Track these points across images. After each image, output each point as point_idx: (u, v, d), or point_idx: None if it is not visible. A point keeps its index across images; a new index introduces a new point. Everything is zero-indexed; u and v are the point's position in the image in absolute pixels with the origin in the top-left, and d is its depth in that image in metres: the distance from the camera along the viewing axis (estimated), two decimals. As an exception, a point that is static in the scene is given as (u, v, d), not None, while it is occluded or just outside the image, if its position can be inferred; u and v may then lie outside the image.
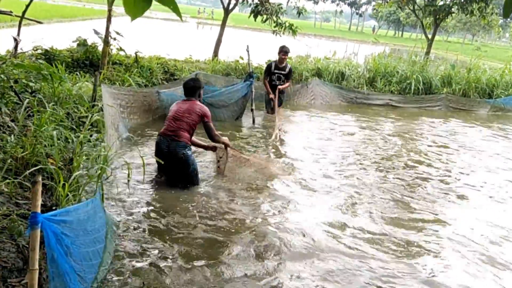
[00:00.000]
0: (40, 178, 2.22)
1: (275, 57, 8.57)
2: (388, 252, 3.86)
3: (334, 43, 41.20)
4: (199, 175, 4.96)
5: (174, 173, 4.79)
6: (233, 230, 3.97)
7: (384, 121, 9.41)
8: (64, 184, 3.29)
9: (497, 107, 11.63)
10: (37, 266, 2.15)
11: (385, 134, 8.31)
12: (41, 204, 3.61)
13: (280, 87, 8.28)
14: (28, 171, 3.56)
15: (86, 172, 3.71)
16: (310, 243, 3.87)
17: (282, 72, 8.31)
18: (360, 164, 6.27)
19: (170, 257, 3.44)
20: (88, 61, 8.42)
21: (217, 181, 5.13)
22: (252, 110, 7.86)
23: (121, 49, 8.87)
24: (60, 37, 11.13)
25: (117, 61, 8.77)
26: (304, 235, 3.98)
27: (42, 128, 4.10)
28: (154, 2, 1.45)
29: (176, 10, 1.38)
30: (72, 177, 3.44)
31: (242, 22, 44.52)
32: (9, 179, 3.47)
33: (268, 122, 8.19)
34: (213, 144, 5.19)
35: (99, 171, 3.62)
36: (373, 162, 6.39)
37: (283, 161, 6.08)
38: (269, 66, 8.43)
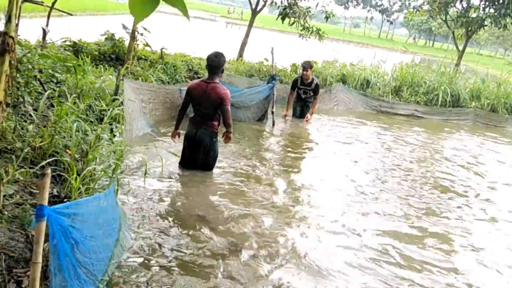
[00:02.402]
0: (49, 171, 2.20)
1: (300, 60, 8.50)
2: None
3: (363, 49, 40.76)
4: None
5: (196, 156, 5.01)
6: (247, 231, 3.91)
7: (408, 131, 9.19)
8: (76, 177, 3.29)
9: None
10: (40, 260, 2.13)
11: (409, 144, 8.11)
12: (55, 195, 3.65)
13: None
14: (44, 162, 3.59)
15: (101, 166, 3.71)
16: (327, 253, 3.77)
17: (308, 88, 8.27)
18: (380, 173, 6.13)
19: (183, 254, 3.40)
20: (114, 55, 8.51)
21: (236, 174, 5.11)
22: (272, 112, 7.80)
23: (147, 44, 8.94)
24: (90, 29, 11.31)
25: (143, 56, 8.84)
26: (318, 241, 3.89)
27: (62, 119, 4.13)
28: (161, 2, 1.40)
29: (184, 10, 1.33)
30: (86, 170, 3.44)
31: (271, 24, 44.54)
32: (25, 168, 3.50)
33: (290, 127, 8.13)
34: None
35: (114, 165, 3.62)
36: (393, 171, 6.23)
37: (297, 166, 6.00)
38: (295, 81, 8.41)
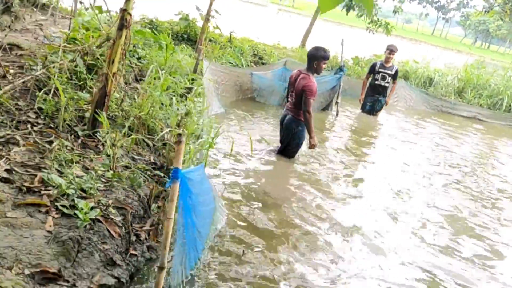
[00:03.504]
0: (184, 139, 2.44)
1: (362, 54, 8.44)
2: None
3: (416, 46, 39.66)
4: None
5: (282, 141, 5.33)
6: (324, 216, 4.08)
7: (469, 134, 9.04)
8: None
9: None
10: (173, 216, 2.38)
11: (470, 147, 8.00)
12: (152, 163, 3.94)
13: (388, 100, 8.28)
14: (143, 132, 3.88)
15: (196, 140, 3.96)
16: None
17: (388, 72, 8.20)
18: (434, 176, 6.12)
19: (268, 225, 3.62)
20: (186, 35, 8.80)
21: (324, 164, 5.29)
22: (337, 103, 7.88)
23: (217, 27, 9.17)
24: (160, 9, 11.66)
25: (212, 38, 9.09)
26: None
27: (157, 92, 4.40)
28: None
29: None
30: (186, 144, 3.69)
31: (333, 16, 43.94)
32: (131, 135, 3.81)
33: (354, 119, 8.19)
34: (311, 131, 5.12)
35: (208, 140, 3.86)
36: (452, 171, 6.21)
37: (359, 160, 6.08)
38: (373, 65, 8.36)
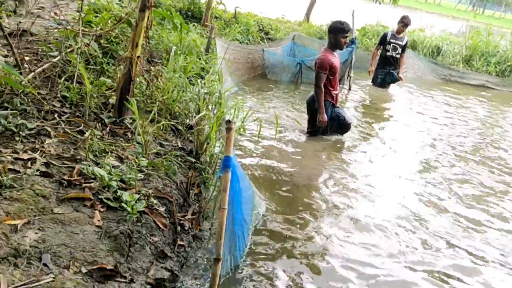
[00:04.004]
0: (233, 125, 2.33)
1: (365, 25, 8.23)
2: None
3: (412, 13, 39.05)
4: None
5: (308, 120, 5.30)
6: (348, 202, 4.02)
7: (479, 102, 8.92)
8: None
9: None
10: (226, 206, 2.29)
11: (480, 117, 7.92)
12: (180, 148, 3.84)
13: (401, 75, 8.17)
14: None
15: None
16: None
17: (399, 42, 8.02)
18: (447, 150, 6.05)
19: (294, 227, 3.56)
20: (190, 12, 8.55)
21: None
22: (349, 77, 7.74)
23: (221, 2, 8.92)
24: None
25: (216, 15, 8.85)
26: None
27: (178, 75, 4.27)
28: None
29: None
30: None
31: None
32: (156, 120, 3.69)
33: (367, 93, 8.06)
34: (320, 107, 5.03)
35: (239, 124, 3.76)
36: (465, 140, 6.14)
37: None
38: (384, 36, 8.18)
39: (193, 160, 3.55)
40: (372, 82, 8.40)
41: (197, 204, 3.12)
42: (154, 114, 3.68)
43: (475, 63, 10.62)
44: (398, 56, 8.10)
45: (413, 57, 10.18)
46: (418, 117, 7.10)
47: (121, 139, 3.42)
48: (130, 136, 3.51)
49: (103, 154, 3.02)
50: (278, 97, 6.77)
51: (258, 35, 9.06)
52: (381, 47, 8.15)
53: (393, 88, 8.56)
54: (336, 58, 5.07)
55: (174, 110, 4.07)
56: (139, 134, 3.37)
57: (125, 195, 2.53)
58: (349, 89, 7.74)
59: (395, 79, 8.28)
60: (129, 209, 2.44)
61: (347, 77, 7.78)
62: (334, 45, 5.02)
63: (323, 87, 4.97)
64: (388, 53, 8.08)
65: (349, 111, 6.90)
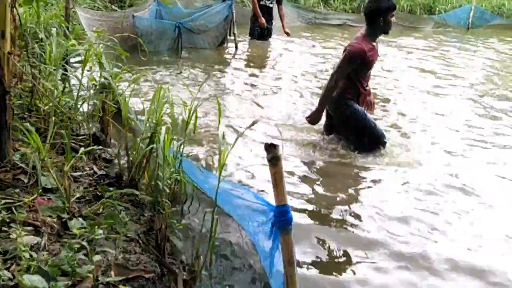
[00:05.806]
0: (279, 152, 1.41)
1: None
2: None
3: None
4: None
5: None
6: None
7: (341, 43, 8.80)
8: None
9: (439, 23, 11.79)
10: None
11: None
12: (102, 176, 2.69)
13: (286, 30, 7.55)
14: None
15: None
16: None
17: None
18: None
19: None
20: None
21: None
22: (234, 34, 6.94)
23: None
24: None
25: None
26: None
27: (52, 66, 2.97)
28: None
29: None
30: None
31: None
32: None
33: (254, 49, 7.34)
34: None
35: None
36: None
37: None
38: None
39: (135, 192, 2.43)
40: (249, 35, 7.70)
41: (182, 268, 2.08)
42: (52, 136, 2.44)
43: (333, 2, 10.68)
44: (271, 5, 7.53)
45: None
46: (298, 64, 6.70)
47: (16, 190, 2.15)
48: (27, 182, 2.24)
49: (6, 227, 1.79)
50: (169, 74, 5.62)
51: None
52: None
53: (273, 40, 8.01)
54: (374, 49, 3.68)
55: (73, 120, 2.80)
56: (43, 175, 2.16)
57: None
58: (236, 48, 6.95)
59: (270, 32, 7.74)
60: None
61: (233, 34, 6.94)
62: (383, 29, 3.66)
63: (339, 83, 3.62)
64: (262, 2, 7.42)
65: (241, 70, 6.12)
